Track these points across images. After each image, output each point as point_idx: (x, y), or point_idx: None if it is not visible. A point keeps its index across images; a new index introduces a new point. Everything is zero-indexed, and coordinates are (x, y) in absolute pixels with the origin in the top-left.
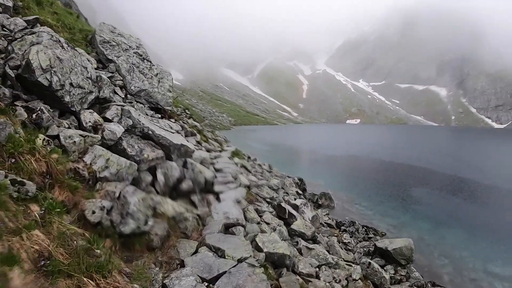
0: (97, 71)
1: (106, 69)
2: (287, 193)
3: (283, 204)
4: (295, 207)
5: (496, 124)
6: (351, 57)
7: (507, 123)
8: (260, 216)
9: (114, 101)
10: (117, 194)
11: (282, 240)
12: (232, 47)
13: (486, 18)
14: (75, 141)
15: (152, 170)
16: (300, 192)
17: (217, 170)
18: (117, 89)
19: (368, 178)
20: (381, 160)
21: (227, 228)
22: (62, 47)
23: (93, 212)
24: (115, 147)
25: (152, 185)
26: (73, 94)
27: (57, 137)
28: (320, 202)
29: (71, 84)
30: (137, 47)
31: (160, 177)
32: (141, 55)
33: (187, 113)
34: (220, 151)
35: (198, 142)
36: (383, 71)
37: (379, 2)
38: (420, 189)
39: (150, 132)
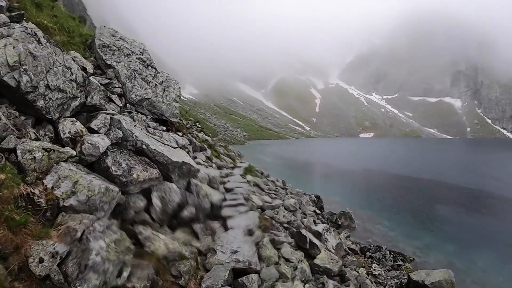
0: (91, 76)
1: (104, 75)
2: (304, 213)
3: (303, 231)
4: (317, 235)
5: None
6: (363, 71)
7: None
8: (278, 250)
9: (106, 110)
10: (79, 234)
11: (304, 281)
12: (245, 62)
13: (496, 27)
14: (35, 157)
15: (147, 193)
16: (318, 211)
17: (227, 191)
18: (115, 97)
19: (387, 194)
20: (398, 175)
21: (236, 275)
22: (39, 41)
23: (40, 261)
24: (97, 164)
25: (147, 211)
26: (50, 99)
27: (14, 150)
28: (339, 222)
29: (47, 86)
30: (140, 52)
31: (156, 202)
32: (144, 61)
33: (198, 126)
34: (232, 167)
35: (209, 158)
36: (395, 84)
37: (389, 14)
38: (442, 206)
39: (144, 146)
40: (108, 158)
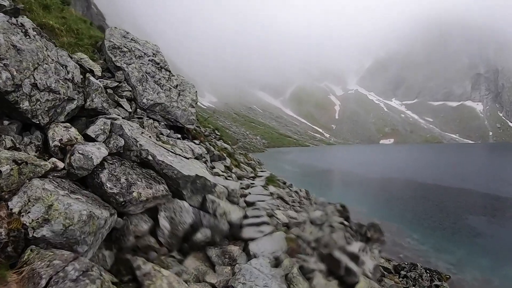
0: (99, 79)
1: (113, 78)
2: (332, 226)
3: (336, 254)
4: (353, 257)
5: None
6: (382, 76)
7: None
8: (309, 280)
9: (110, 114)
10: (43, 282)
11: None
12: (263, 70)
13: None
14: (0, 171)
15: (154, 212)
16: (345, 223)
17: (248, 204)
18: (123, 102)
19: (413, 203)
20: (422, 183)
21: None
22: (26, 33)
23: None
24: (90, 179)
25: (154, 234)
26: (37, 100)
27: None
28: (368, 235)
29: (34, 85)
30: (153, 54)
31: (163, 223)
32: (158, 63)
33: (217, 134)
34: (253, 177)
35: (228, 168)
36: (414, 89)
37: (406, 19)
38: (471, 215)
39: (150, 157)
40: (104, 172)
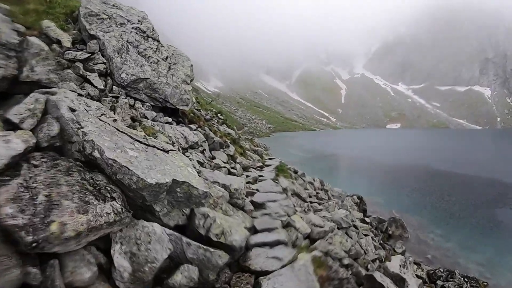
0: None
1: (84, 50)
2: (355, 227)
3: (378, 277)
4: (399, 280)
5: None
6: (389, 60)
7: None
8: None
9: (61, 88)
10: None
11: None
12: (269, 54)
13: None
14: None
15: (106, 244)
16: (366, 219)
17: (256, 206)
18: (93, 77)
19: (432, 193)
20: (438, 170)
21: None
22: None
23: None
24: None
25: (109, 275)
26: None
27: None
28: (390, 231)
29: None
30: (139, 21)
31: (121, 263)
32: (144, 32)
33: (220, 118)
34: (261, 167)
35: (232, 157)
36: (422, 74)
37: (413, 1)
38: (496, 208)
39: (96, 153)
40: (12, 183)
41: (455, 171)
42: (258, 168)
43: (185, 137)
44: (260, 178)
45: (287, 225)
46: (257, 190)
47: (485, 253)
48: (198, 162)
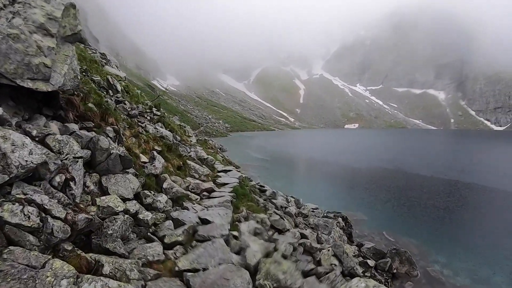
0: None
1: None
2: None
3: None
4: None
5: (495, 126)
6: (347, 62)
7: (506, 125)
8: None
9: None
10: None
11: None
12: (227, 53)
13: (480, 20)
14: None
15: None
16: (362, 253)
17: None
18: None
19: (416, 201)
20: (414, 174)
21: None
22: None
23: None
24: None
25: None
26: None
27: None
28: (394, 269)
29: None
30: None
31: None
32: None
33: (156, 114)
34: (208, 191)
35: (155, 180)
36: (380, 75)
37: (375, 6)
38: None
39: None
40: None
41: (431, 174)
42: (205, 193)
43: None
44: (207, 207)
45: None
46: (198, 244)
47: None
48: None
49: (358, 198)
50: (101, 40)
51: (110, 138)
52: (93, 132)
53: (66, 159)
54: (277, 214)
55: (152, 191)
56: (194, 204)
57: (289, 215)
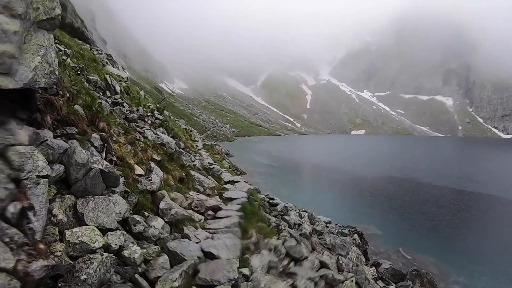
0: None
1: None
2: None
3: None
4: None
5: (503, 134)
6: (354, 68)
7: None
8: None
9: None
10: None
11: None
12: (233, 57)
13: (488, 27)
14: None
15: None
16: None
17: None
18: None
19: (434, 216)
20: (422, 181)
21: None
22: None
23: None
24: None
25: None
26: None
27: None
28: None
29: None
30: None
31: None
32: None
33: (158, 118)
34: (214, 209)
35: (150, 198)
36: (386, 82)
37: (380, 12)
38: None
39: None
40: None
41: (444, 184)
42: (210, 212)
43: None
44: (212, 232)
45: None
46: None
47: None
48: None
49: (369, 208)
50: (109, 42)
51: (95, 147)
52: (75, 141)
53: (26, 178)
54: (292, 236)
55: (146, 212)
56: (197, 229)
57: (305, 237)
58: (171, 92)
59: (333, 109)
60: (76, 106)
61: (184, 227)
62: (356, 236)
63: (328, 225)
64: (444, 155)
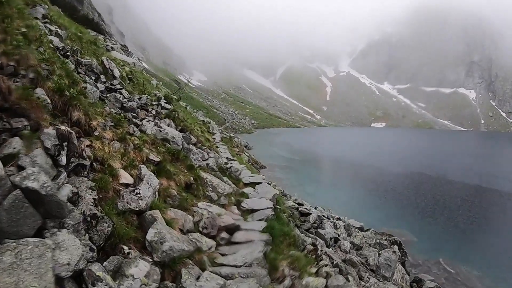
0: None
1: None
2: None
3: None
4: None
5: None
6: (374, 59)
7: None
8: None
9: None
10: None
11: None
12: (253, 49)
13: (507, 20)
14: None
15: None
16: None
17: None
18: None
19: (477, 221)
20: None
21: None
22: None
23: None
24: None
25: None
26: None
27: None
28: None
29: None
30: None
31: None
32: None
33: (164, 108)
34: (231, 229)
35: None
36: (407, 74)
37: (400, 3)
38: None
39: None
40: None
41: (483, 183)
42: (224, 234)
43: None
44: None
45: None
46: None
47: None
48: None
49: (400, 209)
50: (127, 36)
51: (46, 149)
52: (16, 138)
53: None
54: (335, 265)
55: (127, 246)
56: (203, 269)
57: (351, 264)
58: (187, 82)
59: (353, 101)
60: (37, 90)
61: (183, 269)
62: (395, 247)
63: (362, 232)
64: (471, 150)
